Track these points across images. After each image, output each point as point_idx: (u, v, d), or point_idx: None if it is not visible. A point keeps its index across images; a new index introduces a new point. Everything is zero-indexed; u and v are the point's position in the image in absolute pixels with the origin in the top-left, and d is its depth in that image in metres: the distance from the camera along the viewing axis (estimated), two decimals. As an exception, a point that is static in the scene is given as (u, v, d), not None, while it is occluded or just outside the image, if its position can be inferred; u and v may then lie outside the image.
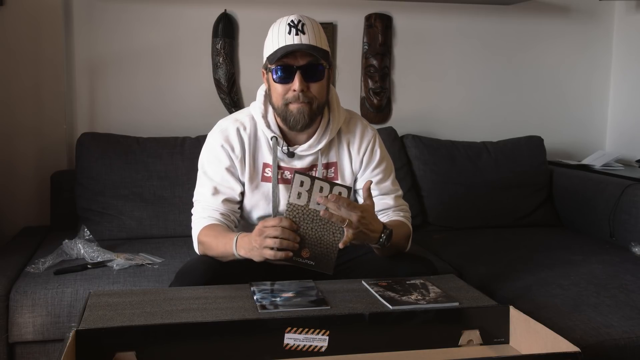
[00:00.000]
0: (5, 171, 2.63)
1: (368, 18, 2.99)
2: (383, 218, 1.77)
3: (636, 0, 3.13)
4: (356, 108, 3.02)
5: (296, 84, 1.60)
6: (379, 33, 2.97)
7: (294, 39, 1.59)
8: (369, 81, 3.01)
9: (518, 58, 3.19)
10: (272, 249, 1.46)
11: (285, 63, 1.61)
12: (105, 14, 2.73)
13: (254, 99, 1.80)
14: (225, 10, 2.82)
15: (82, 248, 2.14)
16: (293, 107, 1.64)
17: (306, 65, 1.61)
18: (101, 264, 2.09)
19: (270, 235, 1.47)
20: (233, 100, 2.85)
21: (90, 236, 2.23)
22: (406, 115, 3.07)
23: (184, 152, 2.56)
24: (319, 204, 1.48)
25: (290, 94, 1.63)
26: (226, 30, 2.81)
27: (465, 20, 3.09)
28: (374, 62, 3.00)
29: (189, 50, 2.83)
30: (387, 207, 1.79)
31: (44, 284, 1.94)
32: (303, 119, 1.65)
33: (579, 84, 3.28)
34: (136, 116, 2.79)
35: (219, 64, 2.83)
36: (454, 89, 3.14)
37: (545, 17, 3.17)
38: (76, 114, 2.76)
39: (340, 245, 1.50)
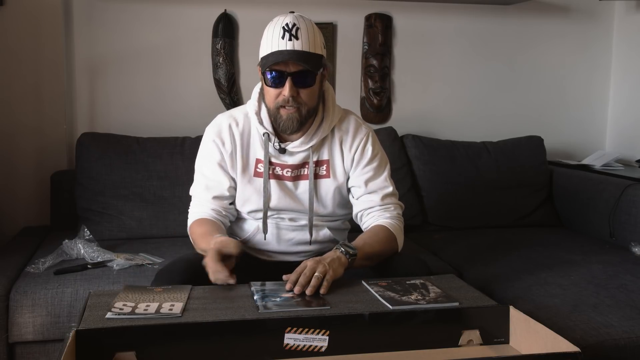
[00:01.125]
0: (5, 171, 2.63)
1: (368, 18, 2.99)
2: (368, 218, 1.78)
3: (636, 0, 3.13)
4: (356, 108, 3.02)
5: (286, 89, 1.63)
6: (379, 33, 2.97)
7: (286, 45, 1.60)
8: (369, 81, 3.01)
9: (518, 58, 3.18)
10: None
11: (277, 69, 1.63)
12: (105, 14, 2.72)
13: (253, 98, 1.81)
14: (225, 10, 2.82)
15: (82, 248, 2.14)
16: (284, 112, 1.67)
17: (297, 72, 1.62)
18: (101, 264, 2.09)
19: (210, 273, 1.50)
20: (233, 100, 2.85)
21: (90, 236, 2.23)
22: (406, 115, 3.07)
23: (184, 152, 2.56)
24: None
25: (281, 98, 1.65)
26: (226, 30, 2.81)
27: (465, 20, 3.09)
28: (374, 62, 2.99)
29: (189, 50, 2.83)
30: (372, 205, 1.77)
31: (44, 284, 1.94)
32: (292, 126, 1.68)
33: (579, 84, 3.27)
34: (136, 116, 2.79)
35: (219, 64, 2.82)
36: (454, 89, 3.14)
37: (545, 17, 3.17)
38: (76, 114, 2.76)
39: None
